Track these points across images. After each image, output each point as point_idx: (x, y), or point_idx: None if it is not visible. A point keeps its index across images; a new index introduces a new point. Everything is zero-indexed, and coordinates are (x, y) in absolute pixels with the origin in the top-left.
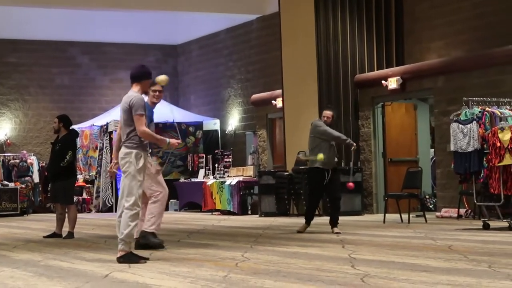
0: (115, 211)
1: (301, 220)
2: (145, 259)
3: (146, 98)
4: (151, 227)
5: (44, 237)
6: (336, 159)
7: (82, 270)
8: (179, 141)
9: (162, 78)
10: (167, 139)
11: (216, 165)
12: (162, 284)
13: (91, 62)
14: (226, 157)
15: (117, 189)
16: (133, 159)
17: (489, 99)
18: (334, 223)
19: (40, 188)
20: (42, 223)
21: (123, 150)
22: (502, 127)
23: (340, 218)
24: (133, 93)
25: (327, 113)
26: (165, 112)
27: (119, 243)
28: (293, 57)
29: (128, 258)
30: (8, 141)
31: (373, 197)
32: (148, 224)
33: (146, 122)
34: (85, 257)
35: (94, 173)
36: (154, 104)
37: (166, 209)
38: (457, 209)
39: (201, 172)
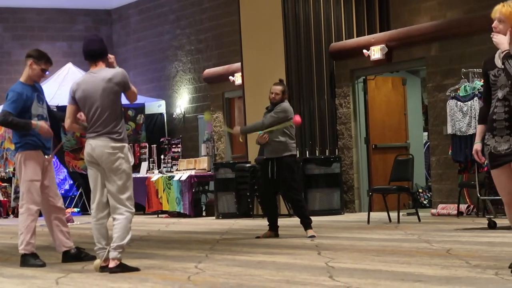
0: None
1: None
2: (137, 269)
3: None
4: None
5: None
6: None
7: None
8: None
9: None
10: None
11: (162, 157)
12: None
13: (5, 33)
14: (174, 146)
15: None
16: (125, 154)
17: None
18: (305, 224)
19: None
20: None
21: (108, 143)
22: None
23: (316, 218)
24: (106, 69)
25: (274, 88)
26: None
27: (116, 250)
28: (254, 22)
29: (125, 268)
30: None
31: (355, 192)
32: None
33: None
34: (2, 272)
35: (12, 169)
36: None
37: None
38: (456, 205)
39: (144, 165)
